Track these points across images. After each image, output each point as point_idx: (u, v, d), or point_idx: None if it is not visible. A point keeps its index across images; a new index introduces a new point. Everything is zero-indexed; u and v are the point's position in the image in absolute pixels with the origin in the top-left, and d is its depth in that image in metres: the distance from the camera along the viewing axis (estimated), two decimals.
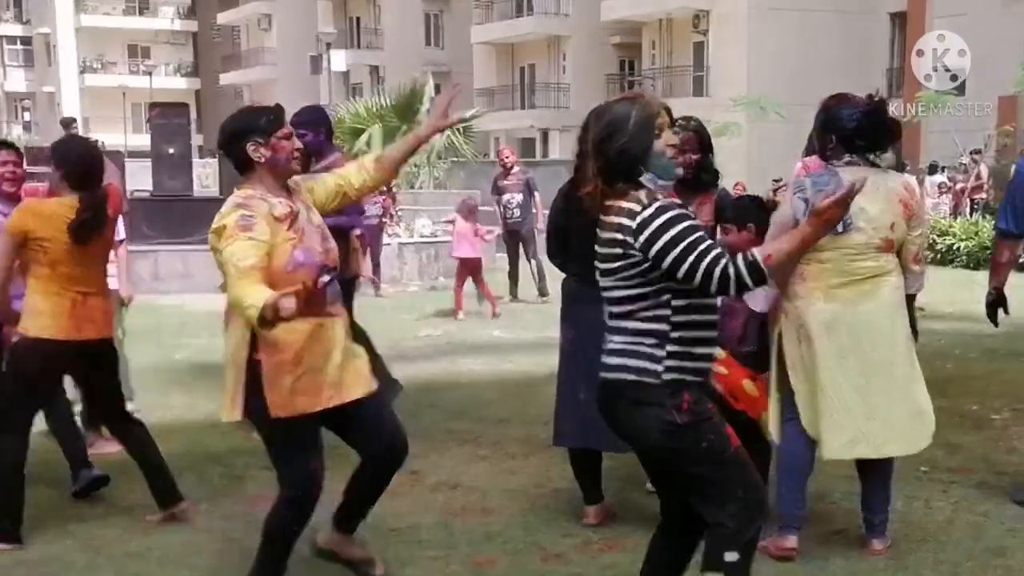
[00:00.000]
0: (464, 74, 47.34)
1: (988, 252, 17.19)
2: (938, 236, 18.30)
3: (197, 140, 26.32)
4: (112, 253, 7.05)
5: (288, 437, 4.23)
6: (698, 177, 5.46)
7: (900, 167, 24.36)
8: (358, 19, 54.82)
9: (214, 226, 4.11)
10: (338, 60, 44.70)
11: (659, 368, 3.51)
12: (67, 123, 16.62)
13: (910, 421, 4.81)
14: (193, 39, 68.15)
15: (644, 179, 3.54)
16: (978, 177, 23.61)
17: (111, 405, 5.63)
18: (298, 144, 4.34)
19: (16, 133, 54.87)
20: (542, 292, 14.08)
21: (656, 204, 3.48)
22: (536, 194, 14.38)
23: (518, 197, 14.18)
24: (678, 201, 3.58)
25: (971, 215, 20.31)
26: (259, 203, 4.14)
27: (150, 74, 59.88)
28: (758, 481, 3.66)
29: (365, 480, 4.52)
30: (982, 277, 15.32)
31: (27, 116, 66.90)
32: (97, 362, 5.46)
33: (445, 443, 6.84)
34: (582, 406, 5.21)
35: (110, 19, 65.11)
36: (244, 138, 4.22)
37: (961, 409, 7.64)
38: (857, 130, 4.72)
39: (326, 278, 4.03)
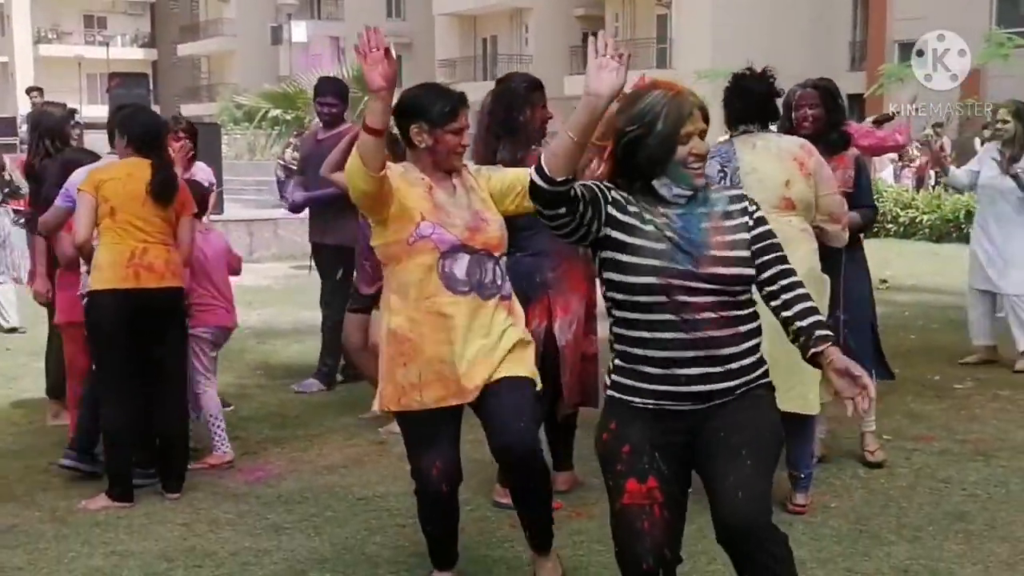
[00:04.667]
0: (426, 45, 47.08)
1: (950, 224, 17.40)
2: (901, 209, 18.39)
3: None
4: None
5: (405, 430, 4.16)
6: (826, 135, 5.41)
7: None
8: None
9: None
10: (299, 31, 44.27)
11: (608, 381, 3.27)
12: (31, 92, 16.39)
13: (801, 379, 4.63)
14: (151, 9, 67.20)
15: (657, 184, 3.13)
16: (941, 150, 23.61)
17: (173, 368, 5.46)
18: (465, 140, 4.07)
19: None
20: None
21: None
22: None
23: None
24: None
25: (933, 188, 20.37)
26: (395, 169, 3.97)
27: (107, 44, 59.07)
28: (622, 547, 3.23)
29: (511, 491, 4.35)
30: (945, 249, 15.56)
31: None
32: (164, 316, 5.31)
33: None
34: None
35: None
36: (411, 120, 3.99)
37: (924, 379, 7.72)
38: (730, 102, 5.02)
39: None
